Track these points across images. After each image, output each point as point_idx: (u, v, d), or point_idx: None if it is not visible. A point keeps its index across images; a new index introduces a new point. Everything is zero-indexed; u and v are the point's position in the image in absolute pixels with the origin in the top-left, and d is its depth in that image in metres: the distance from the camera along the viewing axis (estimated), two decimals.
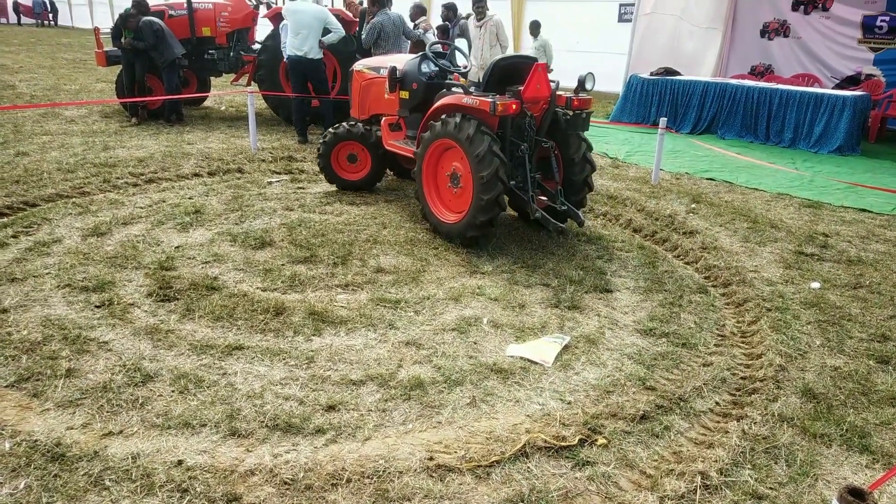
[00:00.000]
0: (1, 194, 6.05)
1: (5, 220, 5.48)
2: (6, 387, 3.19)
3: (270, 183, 6.99)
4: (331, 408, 3.13)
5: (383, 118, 6.31)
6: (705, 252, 5.34)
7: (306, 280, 4.54)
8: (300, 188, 6.85)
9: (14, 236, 5.08)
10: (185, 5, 10.33)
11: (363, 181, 6.69)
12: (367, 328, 3.92)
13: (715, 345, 3.94)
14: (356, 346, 3.71)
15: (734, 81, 10.83)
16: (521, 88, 5.05)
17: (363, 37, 8.73)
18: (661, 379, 3.52)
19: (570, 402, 3.27)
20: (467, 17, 9.92)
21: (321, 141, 6.53)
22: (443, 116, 5.19)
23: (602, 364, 3.64)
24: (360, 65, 6.69)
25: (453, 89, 5.59)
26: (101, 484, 2.58)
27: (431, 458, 2.82)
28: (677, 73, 11.39)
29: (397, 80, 6.06)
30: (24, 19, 36.24)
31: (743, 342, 4.00)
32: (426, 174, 5.49)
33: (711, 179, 7.80)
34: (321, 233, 5.42)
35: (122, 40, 9.43)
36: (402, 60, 6.31)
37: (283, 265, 4.76)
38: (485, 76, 5.36)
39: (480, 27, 8.99)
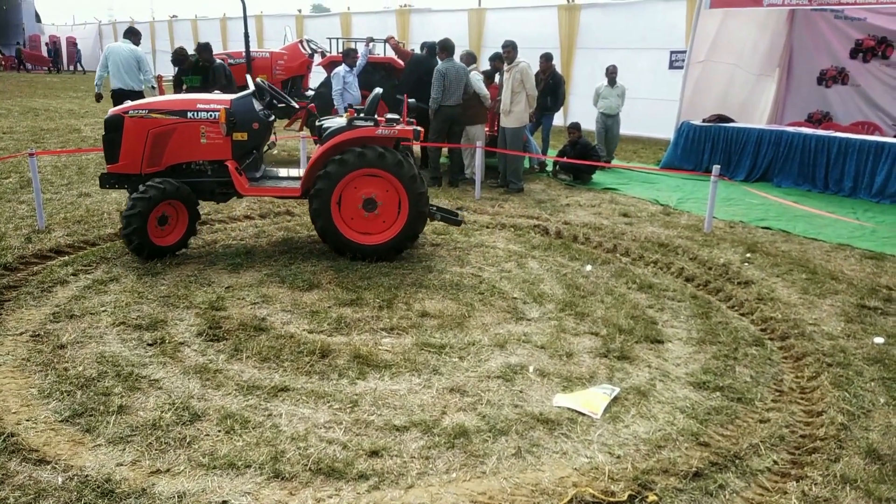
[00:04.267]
0: (63, 233, 6.33)
1: (66, 258, 5.70)
2: (61, 421, 3.27)
3: None
4: (374, 453, 3.10)
5: (228, 163, 5.75)
6: (761, 303, 5.17)
7: (352, 322, 4.56)
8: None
9: (74, 274, 5.27)
10: (244, 54, 10.78)
11: (179, 243, 5.78)
12: (411, 373, 3.90)
13: (772, 400, 3.78)
14: (400, 391, 3.69)
15: (790, 129, 10.63)
16: (401, 118, 6.00)
17: (434, 86, 8.92)
18: (715, 435, 3.38)
19: (619, 457, 3.16)
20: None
21: (130, 212, 5.42)
22: (340, 154, 5.57)
23: (653, 417, 3.53)
24: (140, 109, 5.67)
25: (356, 122, 5.80)
26: None
27: None
28: (730, 120, 11.26)
29: (233, 121, 5.70)
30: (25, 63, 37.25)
31: (802, 398, 3.82)
32: (333, 208, 5.68)
33: (767, 228, 7.61)
34: (367, 276, 5.47)
35: (183, 87, 9.87)
36: (211, 100, 5.85)
37: (329, 307, 4.81)
38: (370, 109, 5.95)
39: (507, 72, 9.05)
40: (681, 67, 12.54)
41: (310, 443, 3.16)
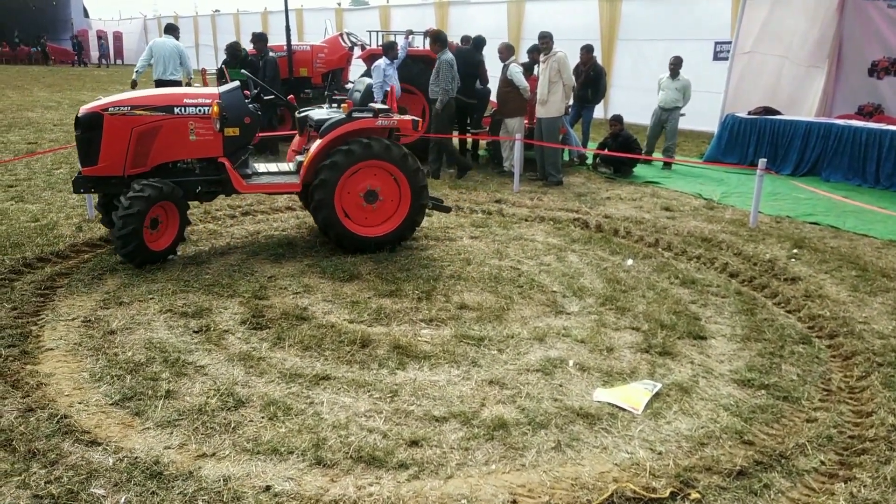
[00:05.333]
0: None
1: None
2: (111, 404, 3.37)
3: None
4: (414, 443, 3.12)
5: (222, 160, 5.53)
6: (809, 300, 5.04)
7: (391, 313, 4.59)
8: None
9: (122, 262, 5.41)
10: (285, 48, 10.90)
11: (170, 247, 5.43)
12: (450, 364, 3.91)
13: (820, 400, 3.69)
14: (439, 382, 3.70)
15: (840, 121, 10.31)
16: (388, 107, 6.04)
17: (443, 77, 8.86)
18: (759, 433, 3.32)
19: (660, 453, 3.13)
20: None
21: (127, 212, 5.02)
22: (343, 146, 5.53)
23: (696, 414, 3.48)
24: (121, 106, 5.23)
25: (355, 115, 5.70)
26: None
27: (515, 502, 2.75)
28: (777, 113, 10.97)
29: (225, 116, 5.43)
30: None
31: (851, 398, 3.72)
32: (336, 201, 5.60)
33: (815, 224, 7.41)
34: (406, 267, 5.49)
35: (224, 80, 10.06)
36: (198, 94, 5.54)
37: (369, 298, 4.85)
38: (362, 100, 6.06)
39: (544, 62, 8.96)
40: (725, 59, 12.28)
41: (351, 431, 3.20)
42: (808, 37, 11.72)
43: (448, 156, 9.47)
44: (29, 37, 38.03)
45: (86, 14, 46.16)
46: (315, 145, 5.69)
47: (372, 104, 6.00)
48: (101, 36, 40.41)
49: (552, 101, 8.89)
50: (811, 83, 12.21)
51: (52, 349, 3.96)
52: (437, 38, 9.15)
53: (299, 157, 6.15)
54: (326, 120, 5.76)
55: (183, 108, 5.38)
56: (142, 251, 5.18)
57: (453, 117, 9.31)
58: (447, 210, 6.74)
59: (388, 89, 9.57)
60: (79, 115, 5.24)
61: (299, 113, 6.51)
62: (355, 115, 5.72)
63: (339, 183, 5.58)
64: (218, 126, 5.43)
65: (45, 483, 2.74)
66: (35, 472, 2.81)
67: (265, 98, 6.25)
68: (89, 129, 5.19)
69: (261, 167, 6.20)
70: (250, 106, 5.76)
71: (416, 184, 5.76)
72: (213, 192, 5.76)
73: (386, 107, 6.03)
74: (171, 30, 10.76)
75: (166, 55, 10.28)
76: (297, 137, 6.61)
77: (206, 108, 5.42)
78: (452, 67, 8.88)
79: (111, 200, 5.52)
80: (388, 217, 5.86)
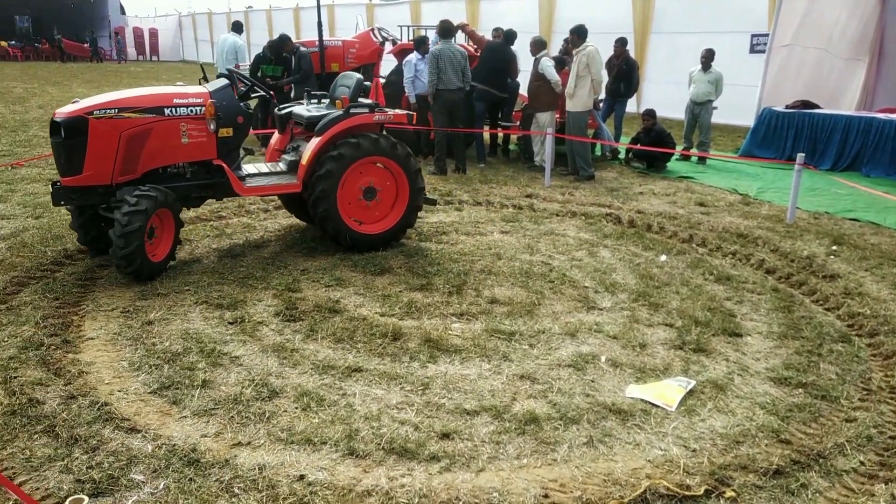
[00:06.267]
0: None
1: None
2: (150, 393, 3.45)
3: None
4: (445, 436, 3.14)
5: (218, 162, 5.28)
6: (848, 298, 4.93)
7: (422, 307, 4.61)
8: (417, 217, 6.97)
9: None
10: (317, 43, 10.98)
11: (167, 258, 5.09)
12: (481, 358, 3.92)
13: (859, 399, 3.61)
14: (470, 376, 3.71)
15: (881, 115, 10.04)
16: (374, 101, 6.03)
17: (428, 70, 8.75)
18: (797, 432, 3.26)
19: (695, 450, 3.09)
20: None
21: (127, 228, 4.61)
22: (343, 142, 5.40)
23: (731, 412, 3.43)
24: (108, 108, 4.81)
25: (352, 111, 5.56)
26: (230, 491, 2.72)
27: (546, 496, 2.75)
28: (815, 106, 10.73)
29: (219, 116, 5.15)
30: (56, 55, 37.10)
31: (892, 398, 3.63)
32: (338, 198, 5.47)
33: (855, 220, 7.24)
34: (437, 261, 5.51)
35: (259, 75, 10.15)
36: (188, 94, 5.21)
37: (400, 292, 4.87)
38: (354, 94, 5.88)
39: (575, 55, 8.86)
40: (762, 51, 12.03)
41: (383, 423, 3.22)
42: (849, 29, 11.44)
43: (438, 150, 9.13)
44: (70, 35, 38.83)
45: (122, 11, 47.02)
46: (313, 143, 5.46)
47: (362, 100, 5.89)
48: (118, 32, 40.93)
49: (579, 96, 8.81)
50: (851, 76, 11.92)
51: (92, 338, 4.06)
52: (439, 30, 9.01)
53: (286, 157, 5.98)
54: (320, 117, 5.57)
55: (174, 109, 5.05)
56: (148, 266, 4.87)
57: (445, 110, 8.88)
58: (433, 202, 6.57)
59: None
60: (56, 119, 4.76)
61: (279, 110, 6.26)
62: (353, 111, 5.59)
63: (340, 181, 5.42)
64: (213, 127, 5.17)
65: (86, 468, 2.82)
66: (77, 458, 2.89)
67: (253, 96, 5.93)
68: (72, 135, 4.72)
69: (250, 168, 5.87)
70: (242, 105, 5.50)
71: (414, 180, 5.71)
72: (202, 196, 5.47)
73: (372, 101, 5.92)
74: (235, 27, 11.70)
75: (225, 50, 11.23)
76: (276, 136, 6.33)
77: (198, 109, 5.12)
78: (438, 59, 8.63)
79: (90, 218, 5.21)
80: (384, 215, 5.79)
